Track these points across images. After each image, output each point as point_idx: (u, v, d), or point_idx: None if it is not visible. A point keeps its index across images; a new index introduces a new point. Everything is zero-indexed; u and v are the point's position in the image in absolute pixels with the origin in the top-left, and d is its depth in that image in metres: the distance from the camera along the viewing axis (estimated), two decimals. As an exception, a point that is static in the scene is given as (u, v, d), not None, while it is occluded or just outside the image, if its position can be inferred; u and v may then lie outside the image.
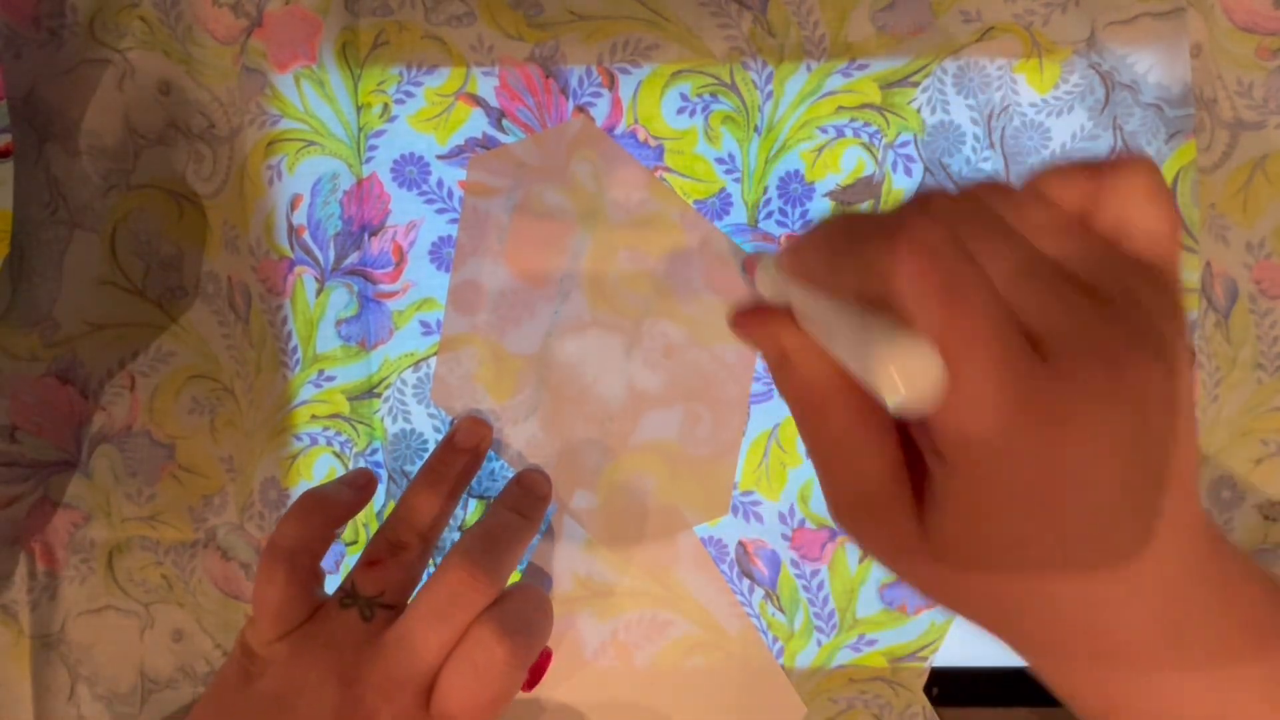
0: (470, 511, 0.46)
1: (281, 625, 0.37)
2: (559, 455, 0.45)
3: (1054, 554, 0.21)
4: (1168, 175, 0.43)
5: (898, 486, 0.23)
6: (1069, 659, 0.24)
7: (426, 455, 0.47)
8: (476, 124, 0.45)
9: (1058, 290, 0.21)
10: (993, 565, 0.22)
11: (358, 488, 0.43)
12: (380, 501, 0.47)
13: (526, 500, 0.43)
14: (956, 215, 0.22)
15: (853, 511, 0.25)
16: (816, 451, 0.25)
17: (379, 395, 0.46)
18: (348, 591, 0.38)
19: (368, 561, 0.39)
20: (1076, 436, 0.19)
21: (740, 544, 0.47)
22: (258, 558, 0.47)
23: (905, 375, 0.19)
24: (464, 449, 0.44)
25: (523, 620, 0.38)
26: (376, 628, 0.37)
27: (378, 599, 0.37)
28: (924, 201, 0.23)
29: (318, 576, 0.40)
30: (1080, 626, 0.23)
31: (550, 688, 0.46)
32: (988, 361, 0.19)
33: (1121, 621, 0.22)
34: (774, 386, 0.45)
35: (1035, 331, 0.20)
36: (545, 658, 0.42)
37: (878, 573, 0.46)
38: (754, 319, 0.26)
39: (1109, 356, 0.20)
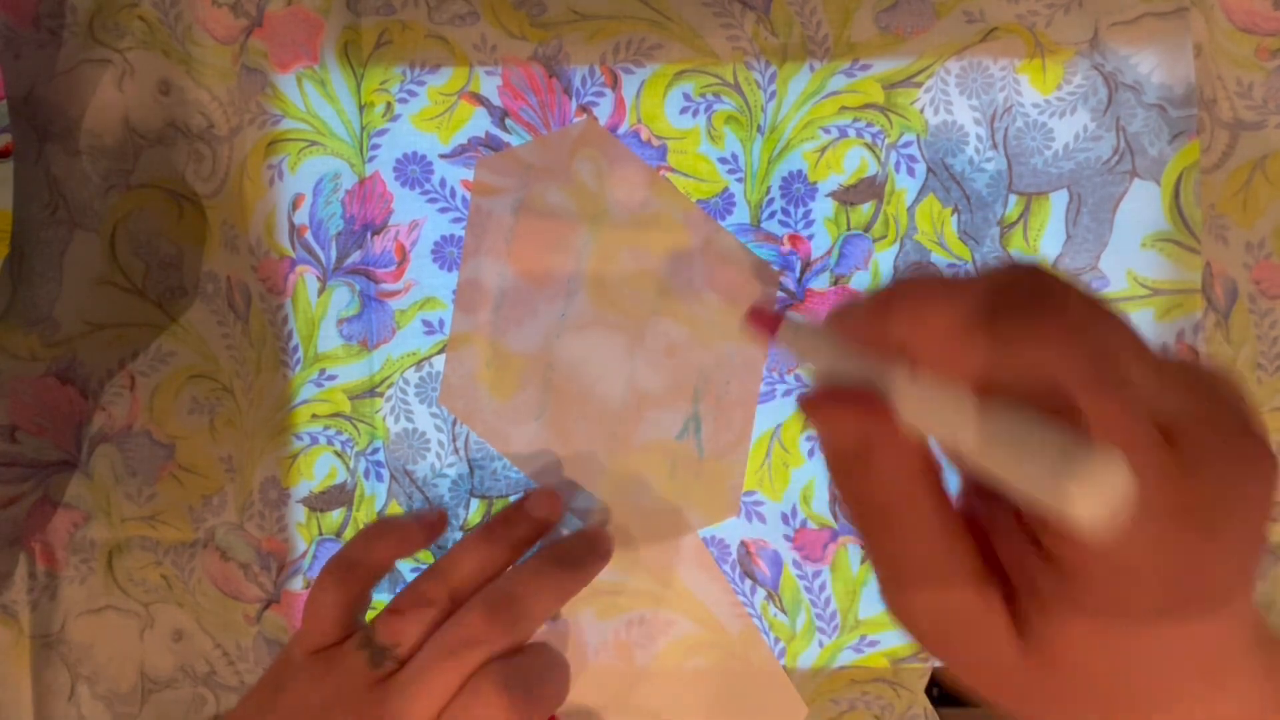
0: (472, 511, 0.46)
1: (319, 638, 0.38)
2: (562, 455, 0.45)
3: (1192, 648, 0.20)
4: (1171, 176, 0.43)
5: (988, 599, 0.21)
6: None
7: (427, 455, 0.46)
8: (479, 123, 0.45)
9: (1189, 386, 0.19)
10: (1123, 665, 0.20)
11: (428, 525, 0.42)
12: (381, 501, 0.47)
13: (579, 553, 0.41)
14: (1089, 315, 0.20)
15: (939, 631, 0.22)
16: (893, 561, 0.22)
17: (381, 394, 0.46)
18: (366, 634, 0.38)
19: (393, 609, 0.38)
20: (1221, 540, 0.19)
21: (742, 544, 0.47)
22: (257, 558, 0.47)
23: (1104, 490, 0.17)
24: (531, 519, 0.42)
25: (531, 677, 0.36)
26: (381, 676, 0.36)
27: (390, 649, 0.37)
28: (1040, 285, 0.20)
29: (364, 600, 0.40)
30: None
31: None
32: (1148, 466, 0.18)
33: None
34: (775, 387, 0.45)
35: (1169, 431, 0.19)
36: None
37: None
38: (836, 403, 0.22)
39: (1244, 455, 0.19)
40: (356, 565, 0.39)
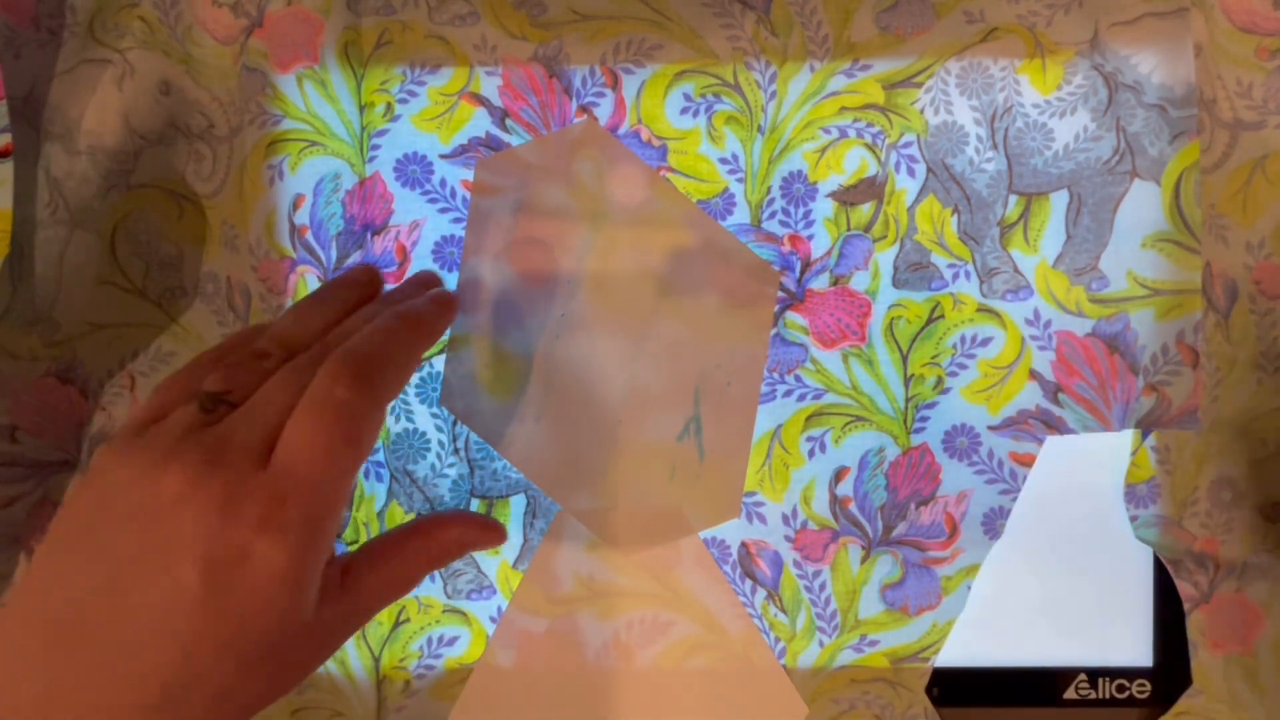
0: (473, 510, 0.46)
1: (143, 415, 0.33)
2: (562, 456, 0.44)
3: None
4: (1171, 176, 0.43)
5: None
6: None
7: (428, 455, 0.46)
8: (480, 124, 0.45)
9: None
10: None
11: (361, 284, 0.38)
12: (381, 502, 0.47)
13: (425, 307, 0.37)
14: None
15: None
16: None
17: (381, 395, 0.46)
18: (194, 394, 0.33)
19: (225, 365, 0.33)
20: None
21: (743, 545, 0.47)
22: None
23: None
24: (362, 282, 0.38)
25: (369, 349, 0.33)
26: (213, 419, 0.31)
27: (222, 395, 0.32)
28: None
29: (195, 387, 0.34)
30: None
31: (551, 688, 0.46)
32: None
33: None
34: (776, 388, 0.45)
35: None
36: None
37: (879, 573, 0.46)
38: None
39: None
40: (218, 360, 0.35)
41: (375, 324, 0.34)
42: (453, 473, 0.46)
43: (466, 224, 0.43)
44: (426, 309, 0.36)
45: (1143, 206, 0.44)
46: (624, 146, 0.43)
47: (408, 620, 0.48)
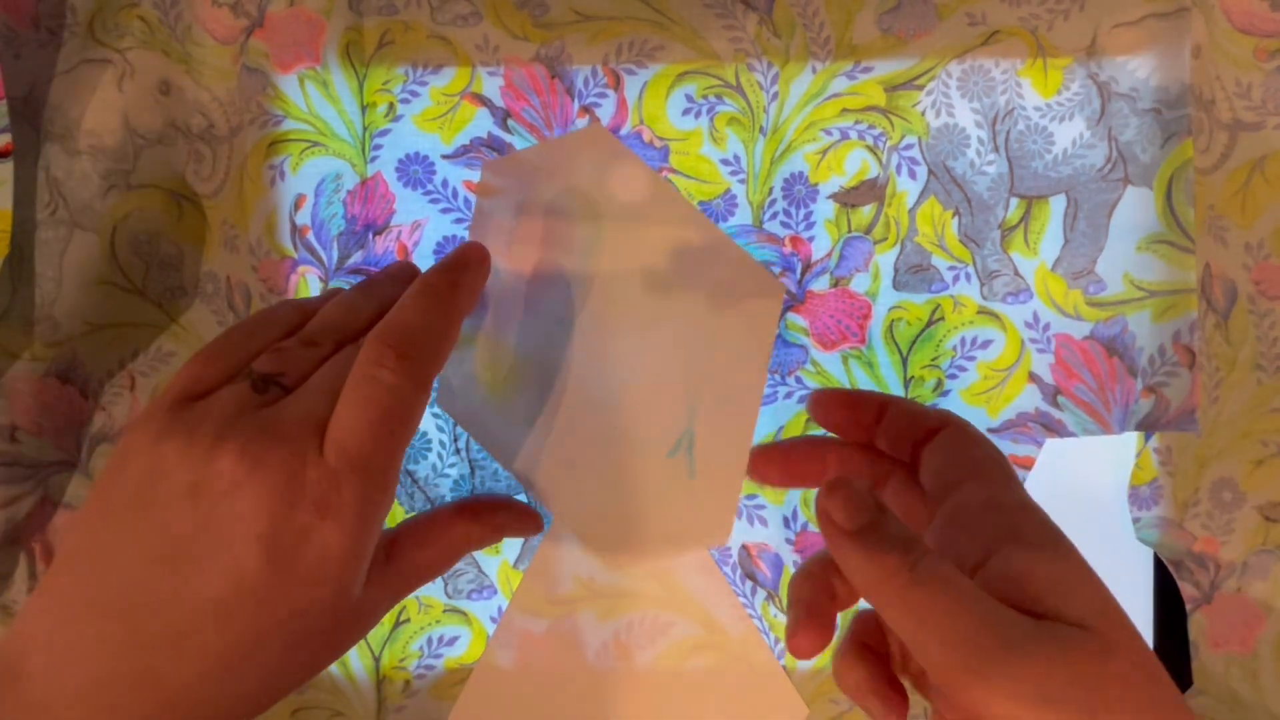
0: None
1: (188, 385, 0.33)
2: (555, 461, 0.44)
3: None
4: (1163, 177, 0.43)
5: None
6: None
7: (429, 455, 0.47)
8: (482, 124, 0.45)
9: None
10: None
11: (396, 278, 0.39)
12: (383, 502, 0.47)
13: (454, 271, 0.37)
14: None
15: None
16: None
17: (382, 396, 0.46)
18: (247, 372, 0.33)
19: (274, 350, 0.34)
20: None
21: (744, 547, 0.47)
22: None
23: None
24: (405, 276, 0.38)
25: (409, 326, 0.33)
26: (266, 400, 0.32)
27: (275, 377, 0.32)
28: None
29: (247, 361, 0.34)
30: None
31: (551, 689, 0.46)
32: None
33: None
34: (777, 389, 0.45)
35: None
36: None
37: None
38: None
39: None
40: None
41: (410, 296, 0.34)
42: (454, 473, 0.46)
43: (470, 226, 0.43)
44: (458, 271, 0.37)
45: (1137, 211, 0.44)
46: (630, 152, 0.42)
47: (408, 620, 0.48)
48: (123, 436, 0.33)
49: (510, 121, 0.45)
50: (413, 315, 0.34)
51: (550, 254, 0.42)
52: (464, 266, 0.37)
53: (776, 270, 0.45)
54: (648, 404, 0.41)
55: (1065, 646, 0.25)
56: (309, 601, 0.30)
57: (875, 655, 0.32)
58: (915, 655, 0.28)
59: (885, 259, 0.45)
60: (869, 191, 0.45)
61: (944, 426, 0.35)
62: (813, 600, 0.32)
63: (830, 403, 0.39)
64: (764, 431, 0.46)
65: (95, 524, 0.31)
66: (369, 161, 0.46)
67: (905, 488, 0.36)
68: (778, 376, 0.46)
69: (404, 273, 0.39)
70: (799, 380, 0.46)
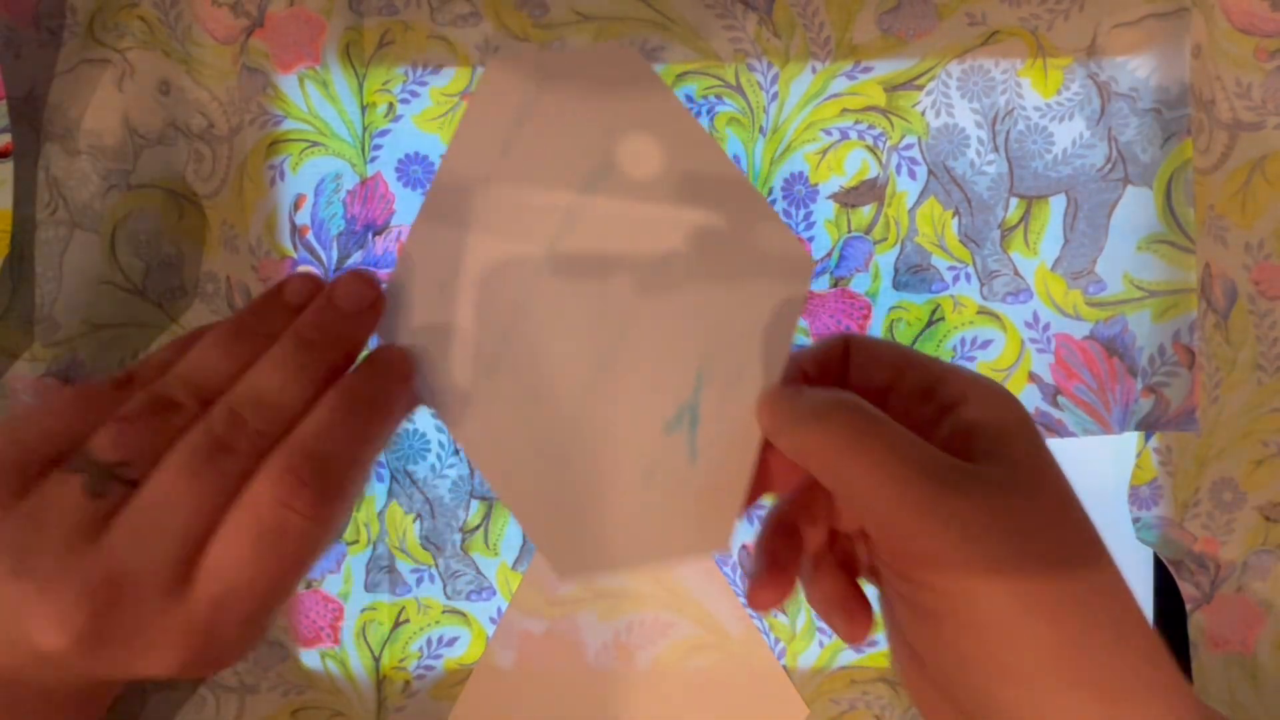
0: (472, 513, 0.46)
1: (12, 453, 0.25)
2: (518, 440, 0.32)
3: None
4: (1163, 177, 0.43)
5: None
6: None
7: (428, 455, 0.46)
8: (481, 124, 0.45)
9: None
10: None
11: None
12: (381, 502, 0.47)
13: (378, 383, 0.28)
14: None
15: None
16: None
17: (382, 396, 0.46)
18: (83, 454, 0.25)
19: (119, 418, 0.25)
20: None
21: (744, 548, 0.47)
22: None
23: None
24: (288, 306, 0.28)
25: (326, 455, 0.26)
26: (105, 507, 0.24)
27: (117, 468, 0.24)
28: None
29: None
30: None
31: (551, 689, 0.46)
32: None
33: None
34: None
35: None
36: None
37: (880, 573, 0.46)
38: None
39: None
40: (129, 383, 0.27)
41: (330, 410, 0.27)
42: (452, 473, 0.46)
43: (455, 131, 0.29)
44: (385, 379, 0.29)
45: (1137, 211, 0.44)
46: (660, 79, 0.32)
47: (408, 621, 0.48)
48: None
49: (510, 121, 0.45)
50: (330, 439, 0.26)
51: (547, 177, 0.31)
52: (390, 373, 0.29)
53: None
54: (649, 365, 0.32)
55: (990, 486, 0.26)
56: None
57: (842, 568, 0.32)
58: (857, 513, 0.29)
59: (885, 259, 0.45)
60: (869, 191, 0.45)
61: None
62: (775, 552, 0.31)
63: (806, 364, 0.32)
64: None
65: None
66: (369, 161, 0.45)
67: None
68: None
69: (297, 295, 0.29)
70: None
